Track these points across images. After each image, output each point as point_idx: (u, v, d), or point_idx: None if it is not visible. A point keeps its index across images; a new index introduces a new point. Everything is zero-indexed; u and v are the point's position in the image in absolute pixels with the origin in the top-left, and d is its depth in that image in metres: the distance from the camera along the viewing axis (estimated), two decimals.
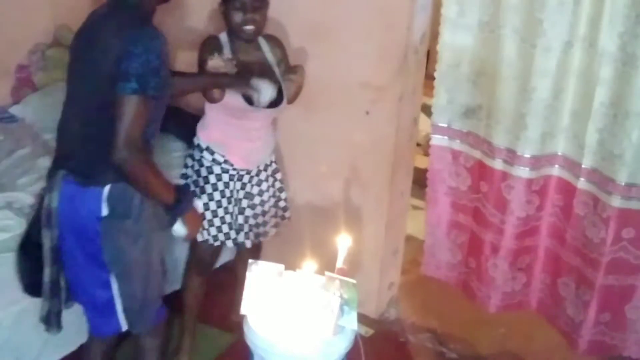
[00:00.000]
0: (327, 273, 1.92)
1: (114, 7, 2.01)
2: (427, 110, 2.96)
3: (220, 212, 2.61)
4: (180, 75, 2.39)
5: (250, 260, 1.99)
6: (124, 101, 1.82)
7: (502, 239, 2.61)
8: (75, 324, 2.65)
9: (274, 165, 2.77)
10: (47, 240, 2.03)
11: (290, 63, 2.67)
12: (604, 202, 2.36)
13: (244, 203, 2.65)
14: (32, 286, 2.16)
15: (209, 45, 2.50)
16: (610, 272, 2.42)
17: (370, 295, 3.03)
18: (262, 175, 2.70)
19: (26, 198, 2.81)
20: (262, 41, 2.58)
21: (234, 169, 2.60)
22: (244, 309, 1.93)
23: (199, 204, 2.28)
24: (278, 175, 2.79)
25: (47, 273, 2.07)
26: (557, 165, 2.50)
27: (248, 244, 2.68)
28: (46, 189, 2.05)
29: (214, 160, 2.58)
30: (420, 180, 3.08)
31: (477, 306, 2.82)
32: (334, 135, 2.88)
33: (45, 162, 3.07)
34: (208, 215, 2.58)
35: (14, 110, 3.54)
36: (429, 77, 2.77)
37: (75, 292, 2.15)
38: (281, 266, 1.96)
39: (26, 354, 2.50)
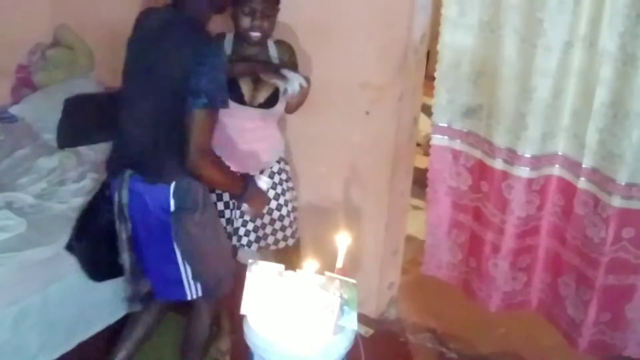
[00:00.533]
0: (327, 273, 1.92)
1: (174, 14, 2.14)
2: (427, 110, 2.96)
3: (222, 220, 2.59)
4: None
5: (250, 260, 1.98)
6: (194, 115, 1.99)
7: (502, 238, 2.61)
8: (73, 324, 2.66)
9: (283, 175, 2.70)
10: (123, 232, 2.24)
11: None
12: (604, 201, 2.36)
13: (244, 207, 2.61)
14: (95, 272, 2.46)
15: None
16: (611, 271, 2.42)
17: (370, 295, 3.03)
18: (277, 178, 2.66)
19: (26, 198, 2.81)
20: (270, 45, 2.57)
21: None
22: (244, 309, 1.93)
23: (263, 183, 2.35)
24: (286, 190, 2.70)
25: (126, 259, 2.28)
26: (557, 165, 2.50)
27: (254, 247, 2.68)
28: (114, 187, 2.23)
29: None
30: (420, 180, 3.08)
31: (477, 306, 2.81)
32: (334, 135, 2.88)
33: (46, 162, 3.08)
34: None
35: (14, 110, 3.55)
36: (429, 77, 2.77)
37: (147, 271, 2.31)
38: (281, 266, 1.96)
39: (25, 354, 2.50)
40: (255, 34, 2.46)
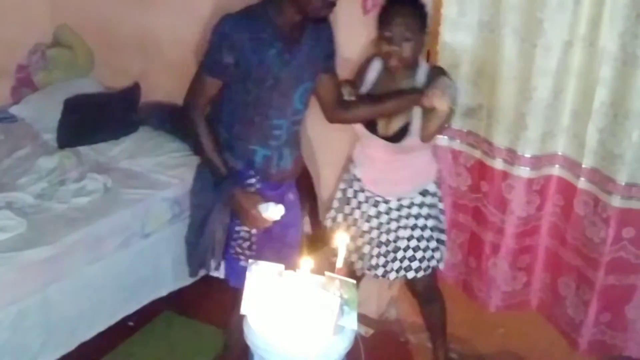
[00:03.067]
0: (327, 273, 1.92)
1: None
2: None
3: (347, 229, 2.58)
4: (366, 101, 2.49)
5: (250, 260, 1.99)
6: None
7: (502, 238, 2.61)
8: (73, 324, 2.65)
9: (424, 210, 2.54)
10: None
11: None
12: (604, 201, 2.35)
13: (374, 233, 2.58)
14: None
15: (358, 70, 2.55)
16: (611, 271, 2.41)
17: (370, 295, 3.03)
18: (403, 212, 2.55)
19: (26, 198, 2.81)
20: (421, 73, 2.41)
21: (369, 191, 2.57)
22: (244, 309, 1.93)
23: (271, 212, 2.21)
24: (426, 226, 2.55)
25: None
26: (557, 165, 2.50)
27: (380, 271, 2.60)
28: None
29: (354, 175, 2.61)
30: None
31: (477, 306, 2.81)
32: (333, 135, 2.88)
33: (46, 162, 3.08)
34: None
35: (14, 110, 3.55)
36: None
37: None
38: (281, 266, 1.96)
39: (25, 354, 2.50)
40: (393, 62, 2.33)
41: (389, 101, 2.39)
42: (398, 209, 2.54)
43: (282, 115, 2.30)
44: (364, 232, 2.60)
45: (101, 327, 2.75)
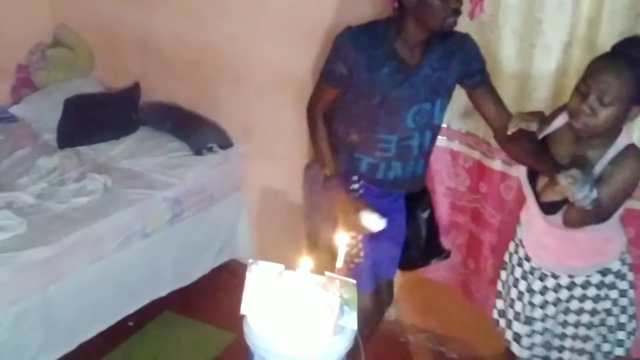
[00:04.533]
0: (327, 273, 1.92)
1: None
2: None
3: (507, 298, 2.24)
4: (527, 144, 2.07)
5: (250, 260, 1.98)
6: None
7: (501, 240, 2.61)
8: (73, 324, 2.66)
9: (603, 291, 2.07)
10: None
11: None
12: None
13: (536, 313, 2.15)
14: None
15: (557, 108, 2.11)
16: None
17: None
18: (576, 292, 2.09)
19: (26, 198, 2.81)
20: (618, 143, 1.90)
21: (531, 261, 2.15)
22: (244, 309, 1.93)
23: (372, 222, 2.16)
24: (612, 306, 2.10)
25: None
26: None
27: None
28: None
29: (520, 240, 2.19)
30: None
31: (476, 307, 2.81)
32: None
33: (46, 162, 3.09)
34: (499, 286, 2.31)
35: (14, 110, 3.55)
36: None
37: None
38: (281, 266, 1.96)
39: (25, 354, 2.50)
40: (577, 124, 1.86)
41: (541, 162, 2.00)
42: (569, 288, 2.10)
43: (390, 132, 2.23)
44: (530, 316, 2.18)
45: (101, 327, 2.75)
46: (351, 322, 1.89)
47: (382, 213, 2.21)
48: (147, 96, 3.50)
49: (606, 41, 2.21)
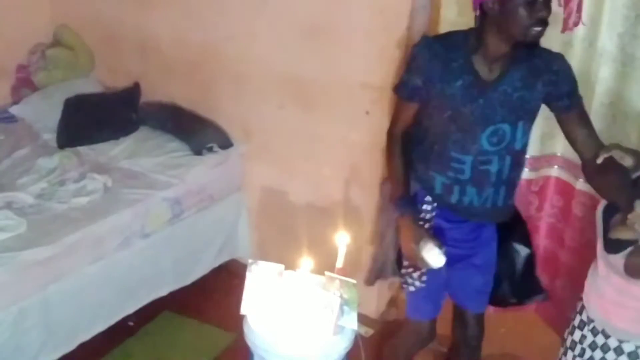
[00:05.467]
0: (327, 273, 1.92)
1: None
2: None
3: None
4: (612, 177, 1.94)
5: (250, 260, 1.99)
6: None
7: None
8: (73, 324, 2.66)
9: None
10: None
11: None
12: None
13: None
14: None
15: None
16: None
17: (370, 295, 3.03)
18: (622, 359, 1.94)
19: (26, 198, 2.81)
20: None
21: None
22: (244, 309, 1.93)
23: (431, 255, 2.04)
24: None
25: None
26: (556, 166, 2.51)
27: None
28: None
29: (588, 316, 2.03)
30: None
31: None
32: (334, 135, 2.88)
33: (46, 162, 3.08)
34: None
35: (14, 110, 3.55)
36: None
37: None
38: (281, 266, 1.96)
39: (25, 354, 2.50)
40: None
41: (622, 194, 1.87)
42: (617, 352, 1.94)
43: (463, 151, 2.05)
44: None
45: (101, 327, 2.75)
46: (351, 322, 1.89)
47: (457, 240, 2.13)
48: (147, 96, 3.50)
49: (606, 41, 2.21)
